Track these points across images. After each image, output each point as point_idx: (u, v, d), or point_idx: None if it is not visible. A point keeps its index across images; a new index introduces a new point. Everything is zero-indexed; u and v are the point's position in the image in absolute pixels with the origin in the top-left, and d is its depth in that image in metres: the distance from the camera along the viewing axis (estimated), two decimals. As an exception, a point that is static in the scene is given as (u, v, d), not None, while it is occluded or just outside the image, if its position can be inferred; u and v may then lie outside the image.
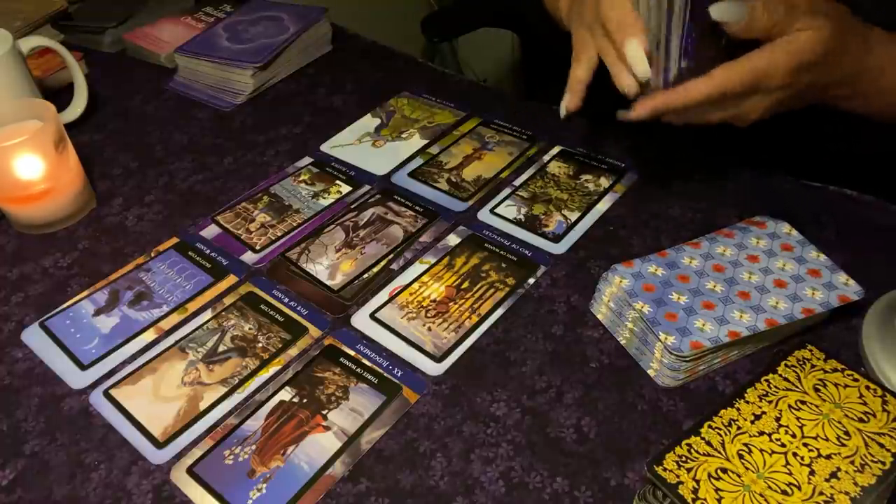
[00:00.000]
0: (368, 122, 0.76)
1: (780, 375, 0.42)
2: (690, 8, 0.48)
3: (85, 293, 0.58)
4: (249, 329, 0.54)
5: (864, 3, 0.52)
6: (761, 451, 0.38)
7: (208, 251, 0.61)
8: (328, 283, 0.58)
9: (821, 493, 0.36)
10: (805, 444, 0.39)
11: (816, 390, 0.41)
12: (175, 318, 0.55)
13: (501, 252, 0.59)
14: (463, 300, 0.55)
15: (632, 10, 0.50)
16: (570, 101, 0.56)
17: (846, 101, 0.55)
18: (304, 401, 0.49)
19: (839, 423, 0.40)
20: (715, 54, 0.50)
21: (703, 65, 0.49)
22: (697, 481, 0.37)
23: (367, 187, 0.67)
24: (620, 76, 0.52)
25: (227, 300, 0.57)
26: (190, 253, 0.61)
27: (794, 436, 0.39)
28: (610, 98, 0.53)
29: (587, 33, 0.55)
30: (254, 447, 0.46)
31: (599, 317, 0.53)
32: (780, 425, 0.40)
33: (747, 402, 0.41)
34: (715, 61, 0.49)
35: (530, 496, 0.43)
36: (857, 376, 0.42)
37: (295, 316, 0.55)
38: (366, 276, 0.58)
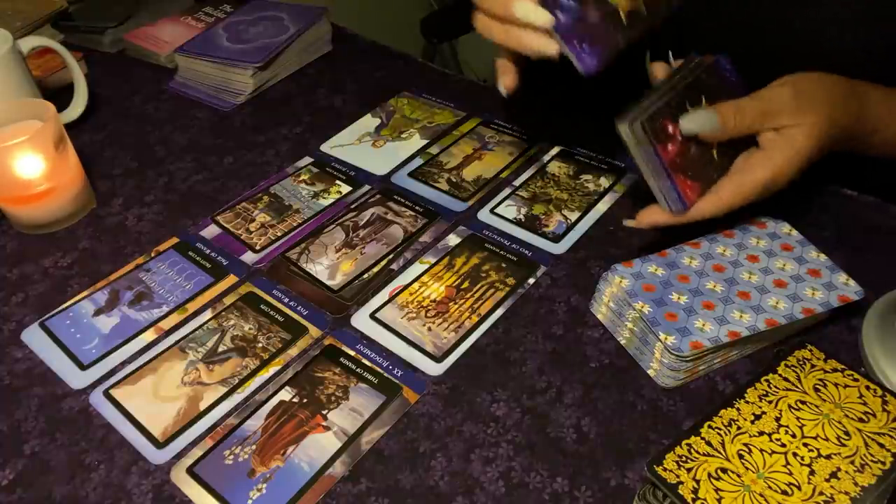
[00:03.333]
0: (368, 122, 0.76)
1: (780, 375, 0.42)
2: (661, 137, 0.49)
3: (85, 293, 0.58)
4: (249, 329, 0.54)
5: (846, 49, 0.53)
6: (761, 451, 0.38)
7: (208, 251, 0.61)
8: (328, 283, 0.58)
9: (821, 493, 0.36)
10: (805, 444, 0.39)
11: (816, 390, 0.41)
12: (175, 318, 0.55)
13: (501, 252, 0.59)
14: (463, 300, 0.55)
15: None
16: (506, 81, 0.56)
17: (849, 150, 0.55)
18: (304, 401, 0.49)
19: (839, 423, 0.40)
20: (706, 158, 0.51)
21: (696, 176, 0.50)
22: (697, 481, 0.37)
23: (367, 187, 0.67)
24: (532, 40, 0.50)
25: (227, 300, 0.57)
26: (190, 253, 0.61)
27: (794, 436, 0.39)
28: (610, 98, 0.53)
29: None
30: (254, 447, 0.46)
31: (599, 317, 0.53)
32: (780, 425, 0.40)
33: (747, 402, 0.41)
34: (709, 166, 0.51)
35: (530, 496, 0.43)
36: (857, 376, 0.42)
37: (295, 316, 0.55)
38: (366, 276, 0.58)
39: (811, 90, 0.49)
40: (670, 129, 0.49)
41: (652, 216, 0.51)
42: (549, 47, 0.50)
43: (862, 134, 0.53)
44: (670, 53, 0.55)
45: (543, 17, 0.48)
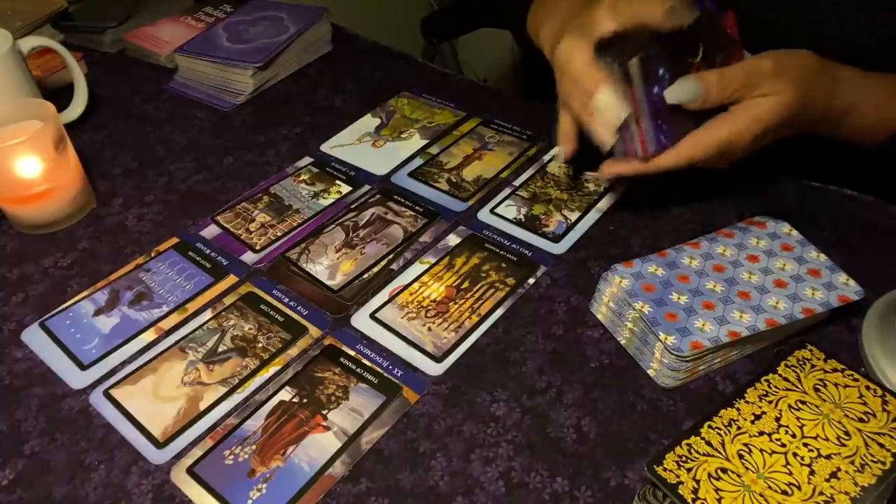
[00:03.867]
0: (368, 122, 0.76)
1: (780, 375, 0.42)
2: (652, 79, 0.50)
3: (85, 293, 0.58)
4: (249, 329, 0.54)
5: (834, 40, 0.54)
6: (761, 451, 0.38)
7: (208, 251, 0.61)
8: (328, 283, 0.58)
9: (821, 493, 0.36)
10: (805, 444, 0.39)
11: (816, 390, 0.41)
12: (175, 318, 0.55)
13: (501, 252, 0.59)
14: (463, 300, 0.55)
15: (590, 61, 0.52)
16: (566, 150, 0.58)
17: (819, 134, 0.57)
18: (304, 401, 0.49)
19: (839, 423, 0.40)
20: (686, 116, 0.51)
21: (676, 129, 0.51)
22: (697, 481, 0.37)
23: (367, 187, 0.67)
24: (597, 131, 0.53)
25: (227, 300, 0.57)
26: (190, 253, 0.61)
27: (794, 436, 0.39)
28: None
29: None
30: (254, 447, 0.46)
31: (599, 317, 0.53)
32: (780, 425, 0.40)
33: (747, 402, 0.41)
34: (687, 122, 0.51)
35: (530, 496, 0.43)
36: (857, 376, 0.42)
37: (295, 316, 0.55)
38: (366, 276, 0.58)
39: (789, 65, 0.51)
40: (660, 71, 0.50)
41: (615, 167, 0.54)
42: (606, 143, 0.53)
43: (834, 114, 0.54)
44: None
45: (613, 117, 0.51)
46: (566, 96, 0.55)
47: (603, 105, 0.51)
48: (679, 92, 0.50)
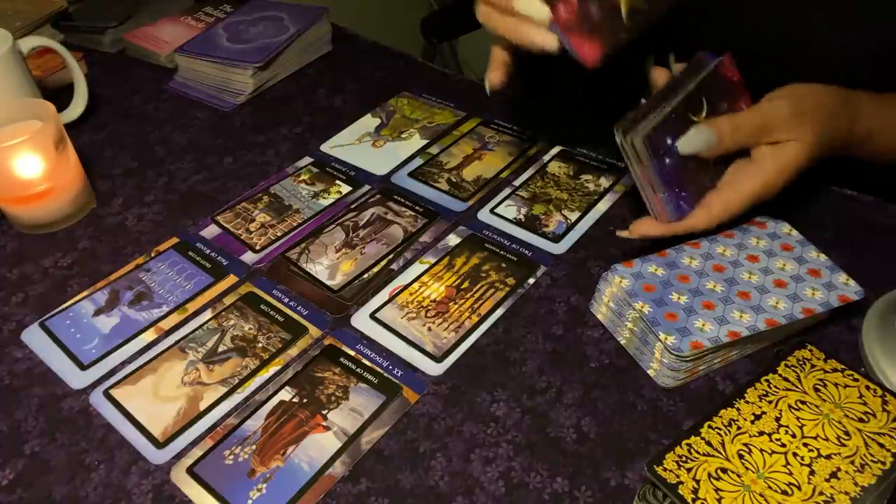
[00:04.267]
0: (368, 122, 0.76)
1: (780, 375, 0.42)
2: (660, 151, 0.50)
3: (85, 293, 0.58)
4: (249, 329, 0.54)
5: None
6: (761, 451, 0.38)
7: (208, 251, 0.61)
8: (328, 283, 0.58)
9: (821, 493, 0.36)
10: (805, 444, 0.39)
11: (816, 390, 0.41)
12: (175, 318, 0.55)
13: (501, 252, 0.59)
14: (463, 300, 0.55)
15: None
16: (493, 77, 0.55)
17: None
18: (304, 401, 0.49)
19: (839, 423, 0.40)
20: (703, 169, 0.51)
21: (694, 190, 0.51)
22: (697, 481, 0.37)
23: (367, 187, 0.67)
24: (536, 35, 0.49)
25: (227, 300, 0.57)
26: (190, 253, 0.61)
27: (794, 436, 0.39)
28: (610, 98, 0.53)
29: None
30: (254, 447, 0.46)
31: (599, 317, 0.53)
32: (780, 425, 0.40)
33: (747, 402, 0.41)
34: (705, 176, 0.51)
35: (530, 496, 0.43)
36: (857, 376, 0.42)
37: (295, 316, 0.55)
38: (366, 276, 0.58)
39: (807, 105, 0.50)
40: (669, 141, 0.50)
41: (644, 228, 0.52)
42: (550, 42, 0.49)
43: (853, 144, 0.54)
44: (671, 57, 0.55)
45: (543, 12, 0.48)
46: (487, 21, 0.52)
47: (523, 6, 0.48)
48: (692, 142, 0.49)
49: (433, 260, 0.59)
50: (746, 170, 0.50)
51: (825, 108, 0.50)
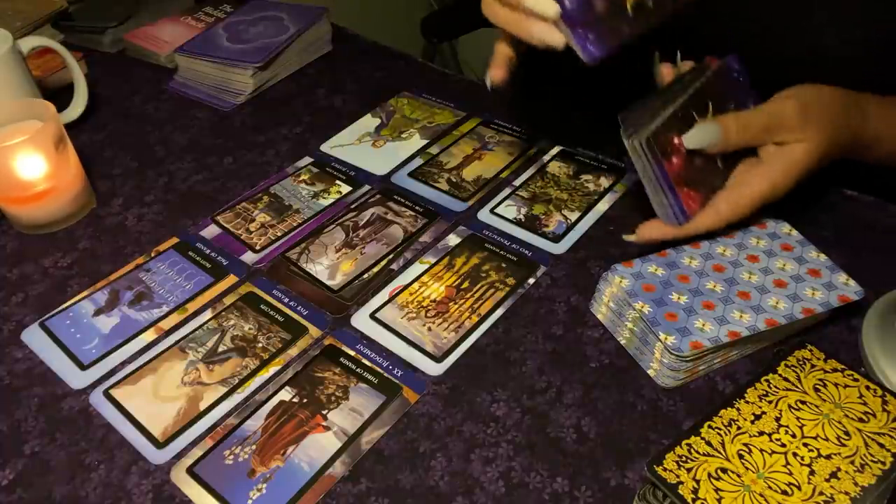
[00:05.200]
0: (368, 122, 0.76)
1: (780, 375, 0.42)
2: (663, 153, 0.49)
3: (85, 293, 0.58)
4: (249, 329, 0.54)
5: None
6: (761, 451, 0.38)
7: (208, 251, 0.61)
8: (328, 283, 0.58)
9: (821, 493, 0.36)
10: (805, 444, 0.39)
11: (816, 390, 0.41)
12: (175, 318, 0.55)
13: (501, 252, 0.59)
14: (463, 300, 0.55)
15: None
16: (494, 74, 0.55)
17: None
18: (304, 401, 0.49)
19: (839, 423, 0.40)
20: (707, 169, 0.51)
21: (698, 191, 0.51)
22: (697, 481, 0.37)
23: (367, 187, 0.67)
24: (540, 31, 0.48)
25: (227, 300, 0.57)
26: (190, 253, 0.61)
27: (794, 436, 0.39)
28: (611, 98, 0.53)
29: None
30: (254, 447, 0.46)
31: (599, 317, 0.53)
32: (780, 425, 0.40)
33: (747, 402, 0.41)
34: (710, 176, 0.51)
35: (530, 496, 0.43)
36: (857, 376, 0.42)
37: (295, 316, 0.55)
38: (366, 276, 0.58)
39: (814, 106, 0.49)
40: (675, 141, 0.49)
41: (651, 231, 0.52)
42: (555, 38, 0.48)
43: (860, 146, 0.53)
44: (679, 54, 0.55)
45: (550, 8, 0.47)
46: (492, 14, 0.51)
47: (532, 1, 0.47)
48: (698, 137, 0.49)
49: (433, 260, 0.59)
50: (754, 170, 0.50)
51: (833, 109, 0.50)
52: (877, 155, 0.55)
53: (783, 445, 0.39)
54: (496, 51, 0.55)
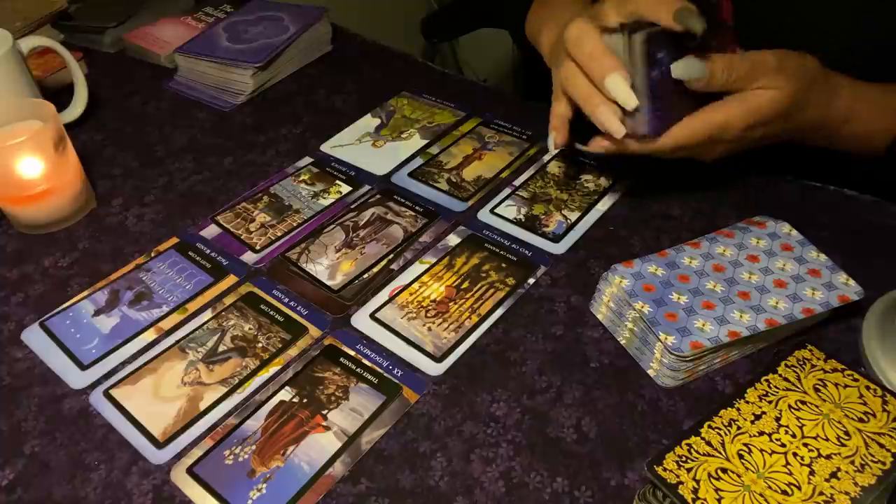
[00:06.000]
0: (368, 122, 0.76)
1: (780, 375, 0.42)
2: (653, 61, 0.50)
3: (85, 293, 0.58)
4: (249, 329, 0.54)
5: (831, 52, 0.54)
6: (761, 451, 0.38)
7: (208, 251, 0.61)
8: (328, 283, 0.58)
9: (821, 493, 0.36)
10: (805, 444, 0.39)
11: (816, 390, 0.41)
12: (175, 318, 0.55)
13: (501, 252, 0.59)
14: (463, 300, 0.55)
15: (602, 45, 0.51)
16: (557, 138, 0.57)
17: (811, 143, 0.58)
18: (304, 401, 0.49)
19: (839, 423, 0.40)
20: (682, 99, 0.52)
21: (671, 114, 0.51)
22: (697, 481, 0.37)
23: (367, 187, 0.67)
24: (603, 115, 0.51)
25: (227, 300, 0.57)
26: (190, 253, 0.61)
27: (794, 436, 0.39)
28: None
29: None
30: (254, 447, 0.46)
31: (599, 317, 0.53)
32: (780, 425, 0.40)
33: (747, 402, 0.41)
34: (682, 105, 0.52)
35: (530, 496, 0.43)
36: (857, 376, 0.42)
37: (295, 316, 0.55)
38: (366, 276, 0.58)
39: (791, 63, 0.51)
40: (661, 55, 0.50)
41: (605, 142, 0.53)
42: (619, 131, 0.51)
43: (831, 122, 0.55)
44: None
45: (631, 102, 0.50)
46: (569, 81, 0.53)
47: (615, 88, 0.50)
48: (686, 68, 0.49)
49: (433, 260, 0.59)
50: (714, 104, 0.52)
51: (807, 71, 0.52)
52: (850, 133, 0.56)
53: (783, 445, 0.39)
54: (554, 113, 0.57)
